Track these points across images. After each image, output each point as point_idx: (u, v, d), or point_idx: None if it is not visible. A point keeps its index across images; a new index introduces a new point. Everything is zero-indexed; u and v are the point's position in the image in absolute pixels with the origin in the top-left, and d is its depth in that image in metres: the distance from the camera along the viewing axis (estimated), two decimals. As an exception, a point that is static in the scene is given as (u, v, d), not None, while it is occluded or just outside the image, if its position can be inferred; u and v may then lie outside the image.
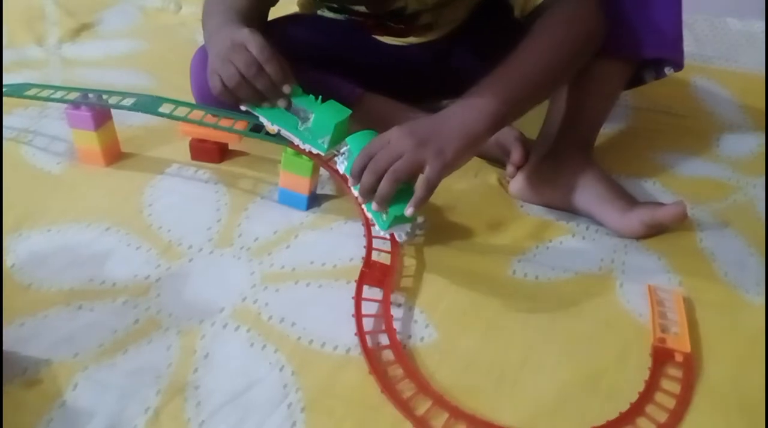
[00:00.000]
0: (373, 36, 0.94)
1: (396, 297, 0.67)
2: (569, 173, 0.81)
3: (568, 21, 0.72)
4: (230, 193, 0.82)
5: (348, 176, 0.68)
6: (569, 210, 0.81)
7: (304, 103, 0.72)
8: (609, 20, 0.77)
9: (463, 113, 0.67)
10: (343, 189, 0.80)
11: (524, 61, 0.70)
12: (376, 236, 0.71)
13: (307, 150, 0.73)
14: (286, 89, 0.70)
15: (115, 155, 0.86)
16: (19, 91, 0.88)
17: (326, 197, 0.82)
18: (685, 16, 1.44)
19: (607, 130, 1.00)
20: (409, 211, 0.63)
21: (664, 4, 0.79)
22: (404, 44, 0.95)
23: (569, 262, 0.74)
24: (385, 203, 0.64)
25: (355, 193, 0.68)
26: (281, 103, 0.72)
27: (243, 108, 0.74)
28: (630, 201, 0.79)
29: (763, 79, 1.18)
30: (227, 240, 0.74)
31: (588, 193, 0.79)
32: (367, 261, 0.70)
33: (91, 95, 0.81)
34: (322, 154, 0.72)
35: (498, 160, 0.89)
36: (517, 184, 0.84)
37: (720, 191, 0.89)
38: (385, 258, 0.70)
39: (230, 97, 0.72)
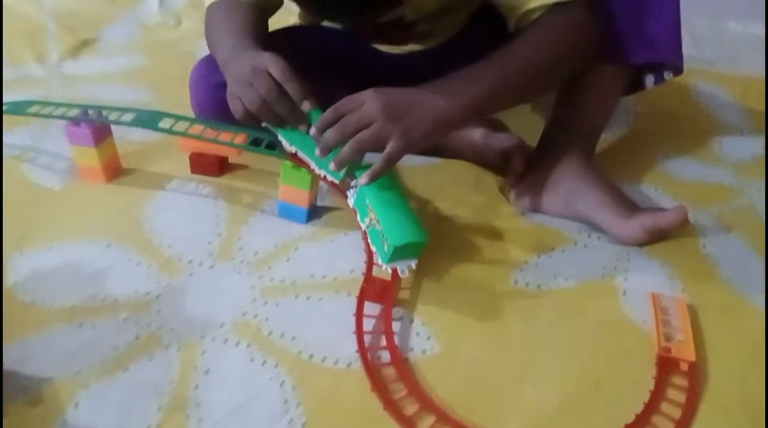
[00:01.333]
0: (373, 45, 0.94)
1: (397, 310, 0.67)
2: (570, 180, 0.80)
3: (556, 27, 0.72)
4: (230, 207, 0.82)
5: (356, 210, 0.69)
6: (571, 217, 0.81)
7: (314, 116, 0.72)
8: (606, 26, 0.77)
9: (440, 98, 0.67)
10: (343, 201, 0.80)
11: (507, 58, 0.70)
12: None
13: (322, 175, 0.72)
14: (306, 106, 0.69)
15: (115, 171, 0.86)
16: (21, 108, 0.89)
17: (326, 209, 0.82)
18: (685, 19, 1.44)
19: (608, 135, 1.00)
20: (363, 180, 0.65)
21: (662, 9, 0.79)
22: (404, 52, 0.95)
23: (571, 270, 0.73)
24: (343, 166, 0.65)
25: (362, 225, 0.68)
26: (302, 127, 0.71)
27: (264, 125, 0.73)
28: (631, 207, 0.79)
29: (764, 82, 1.18)
30: (227, 254, 0.74)
31: (589, 200, 0.79)
32: (368, 276, 0.69)
33: (91, 112, 0.82)
34: (337, 181, 0.71)
35: (499, 168, 0.89)
36: (518, 192, 0.84)
37: (722, 195, 0.88)
38: (385, 273, 0.70)
39: (252, 120, 0.72)
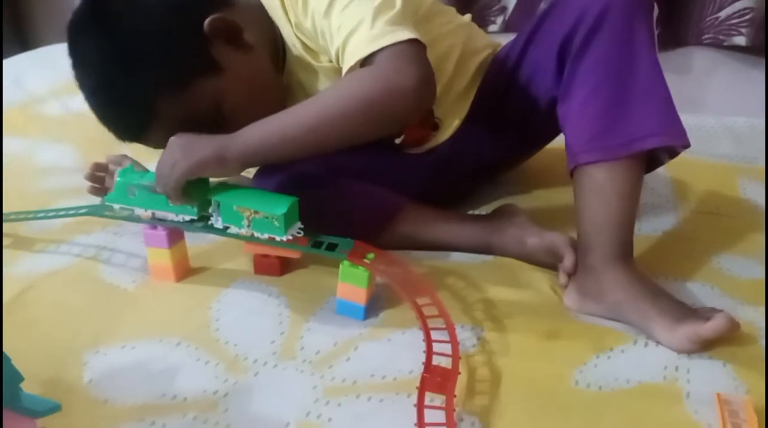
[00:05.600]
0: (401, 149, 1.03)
1: (459, 411, 0.67)
2: (610, 287, 0.80)
3: (354, 79, 0.77)
4: (292, 306, 0.85)
5: (230, 225, 0.82)
6: (621, 321, 0.81)
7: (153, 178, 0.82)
8: (605, 123, 0.81)
9: (223, 140, 0.78)
10: (399, 298, 0.82)
11: (290, 114, 0.78)
12: (436, 340, 0.72)
13: (181, 219, 0.83)
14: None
15: (185, 271, 0.91)
16: (99, 211, 0.95)
17: (382, 306, 0.84)
18: (725, 119, 1.48)
19: (657, 233, 1.01)
20: (158, 189, 0.81)
21: (649, 92, 0.81)
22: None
23: (632, 372, 0.73)
24: (178, 199, 0.81)
25: (243, 231, 0.81)
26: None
27: (109, 204, 0.88)
28: (677, 314, 0.77)
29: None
30: (290, 354, 0.76)
31: (633, 308, 0.78)
32: (428, 366, 0.70)
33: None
34: (195, 217, 0.83)
35: (549, 266, 0.91)
36: (569, 293, 0.85)
37: (781, 294, 0.88)
38: (446, 363, 0.70)
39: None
